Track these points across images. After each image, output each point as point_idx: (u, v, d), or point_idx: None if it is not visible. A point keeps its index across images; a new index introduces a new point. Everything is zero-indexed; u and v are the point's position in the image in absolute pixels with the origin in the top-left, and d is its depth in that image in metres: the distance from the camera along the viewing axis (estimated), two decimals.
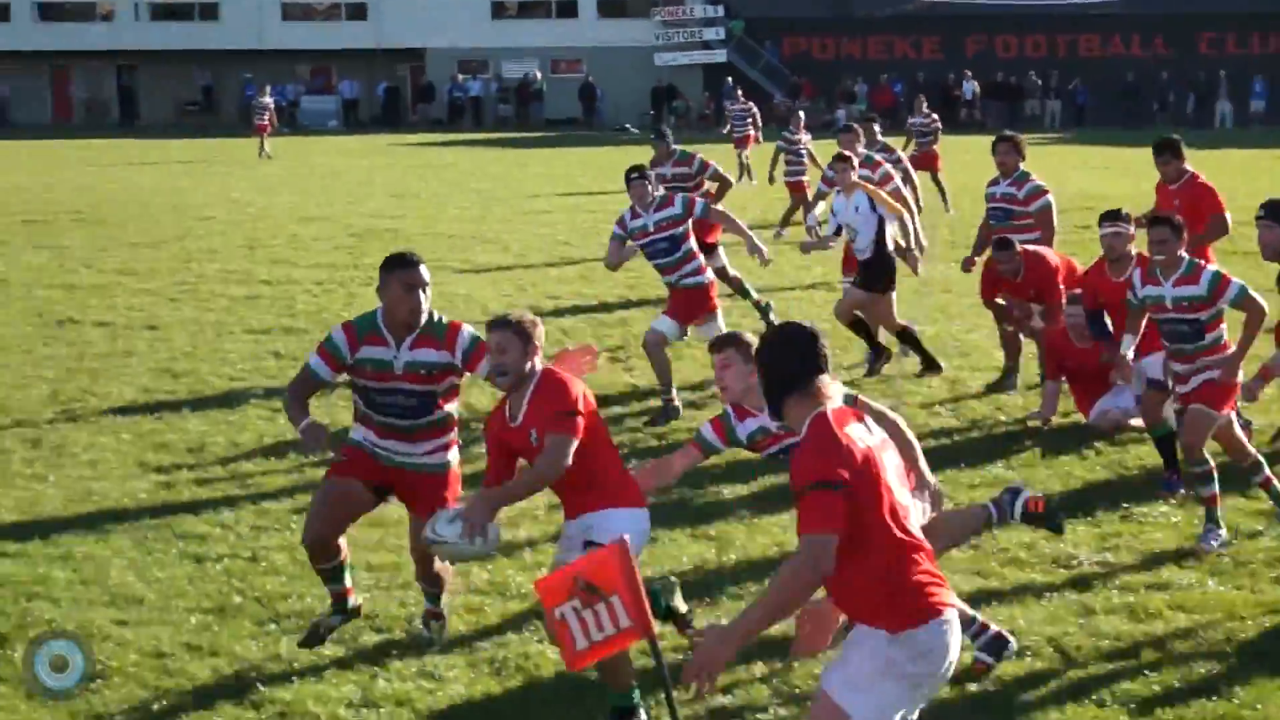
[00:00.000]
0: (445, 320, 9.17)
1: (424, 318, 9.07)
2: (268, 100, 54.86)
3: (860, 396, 8.33)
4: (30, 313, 21.35)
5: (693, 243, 15.70)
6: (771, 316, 18.74)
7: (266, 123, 52.70)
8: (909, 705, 6.39)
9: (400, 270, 9.04)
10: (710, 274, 15.87)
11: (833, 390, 6.52)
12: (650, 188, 15.69)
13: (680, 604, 8.99)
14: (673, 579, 9.18)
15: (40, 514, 12.34)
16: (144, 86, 79.70)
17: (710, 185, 20.68)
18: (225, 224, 31.48)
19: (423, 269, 9.07)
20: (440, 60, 77.71)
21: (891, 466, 6.38)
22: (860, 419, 6.45)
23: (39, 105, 79.01)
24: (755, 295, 19.46)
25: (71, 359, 18.28)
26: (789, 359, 6.46)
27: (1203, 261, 12.14)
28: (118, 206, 34.81)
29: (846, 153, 17.74)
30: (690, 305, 15.59)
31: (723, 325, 15.39)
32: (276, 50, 78.27)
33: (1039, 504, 9.57)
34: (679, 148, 20.86)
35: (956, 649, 6.36)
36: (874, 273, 16.90)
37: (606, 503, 8.51)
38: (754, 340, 8.34)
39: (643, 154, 21.30)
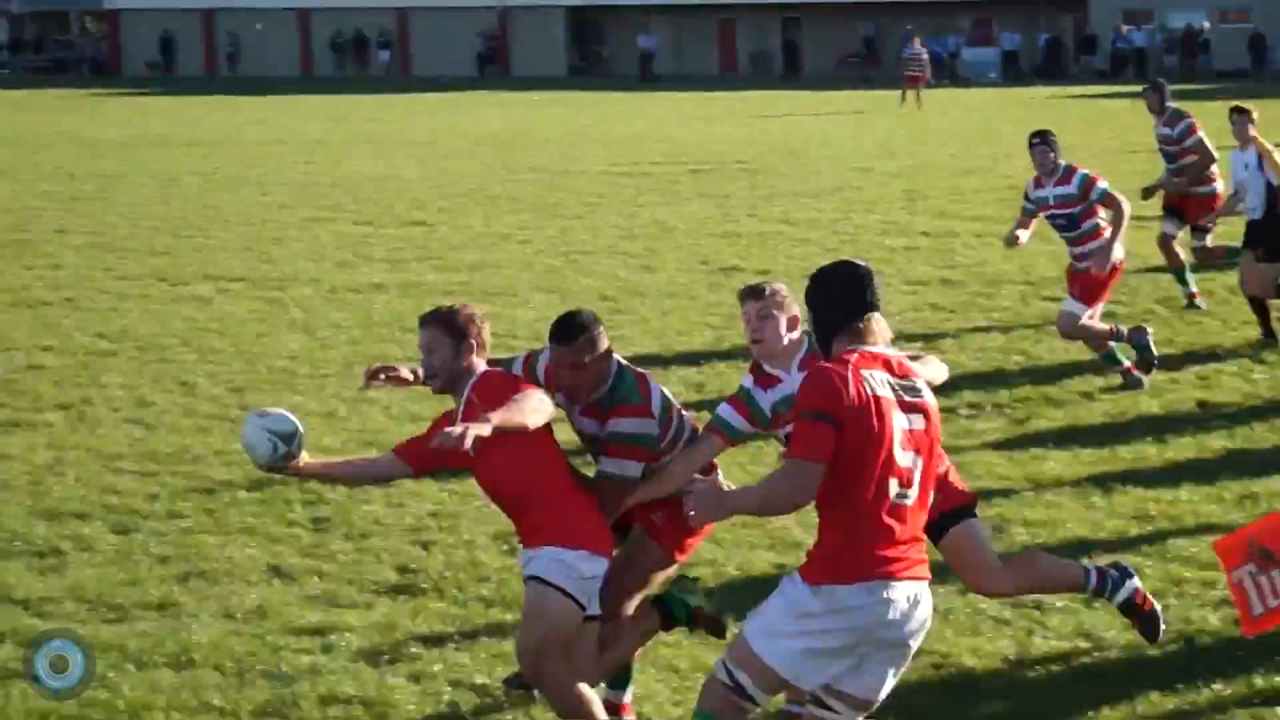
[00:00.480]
0: (637, 387, 7.76)
1: (594, 393, 7.77)
2: (919, 50, 54.88)
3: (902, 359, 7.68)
4: (694, 259, 21.98)
5: (1098, 221, 14.39)
6: (1199, 302, 17.73)
7: (919, 74, 52.71)
8: (836, 663, 6.27)
9: (554, 343, 7.70)
10: (1116, 258, 14.25)
11: (880, 330, 6.46)
12: (1053, 155, 14.48)
13: (703, 603, 8.09)
14: (692, 579, 8.28)
15: None
16: (807, 38, 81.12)
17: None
18: (884, 175, 31.78)
19: (579, 343, 7.61)
20: (1104, 10, 76.26)
21: (902, 429, 6.23)
22: (892, 370, 6.36)
23: (704, 57, 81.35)
24: (1192, 287, 17.97)
25: (731, 306, 18.67)
26: (843, 296, 6.45)
27: None
28: (780, 157, 35.59)
29: (1245, 105, 16.65)
30: (1086, 289, 14.38)
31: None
32: (938, 1, 78.40)
33: (1148, 603, 8.34)
34: (1173, 105, 18.80)
35: (897, 619, 6.22)
36: (1260, 236, 15.79)
37: (544, 539, 7.52)
38: (790, 295, 7.65)
39: None
